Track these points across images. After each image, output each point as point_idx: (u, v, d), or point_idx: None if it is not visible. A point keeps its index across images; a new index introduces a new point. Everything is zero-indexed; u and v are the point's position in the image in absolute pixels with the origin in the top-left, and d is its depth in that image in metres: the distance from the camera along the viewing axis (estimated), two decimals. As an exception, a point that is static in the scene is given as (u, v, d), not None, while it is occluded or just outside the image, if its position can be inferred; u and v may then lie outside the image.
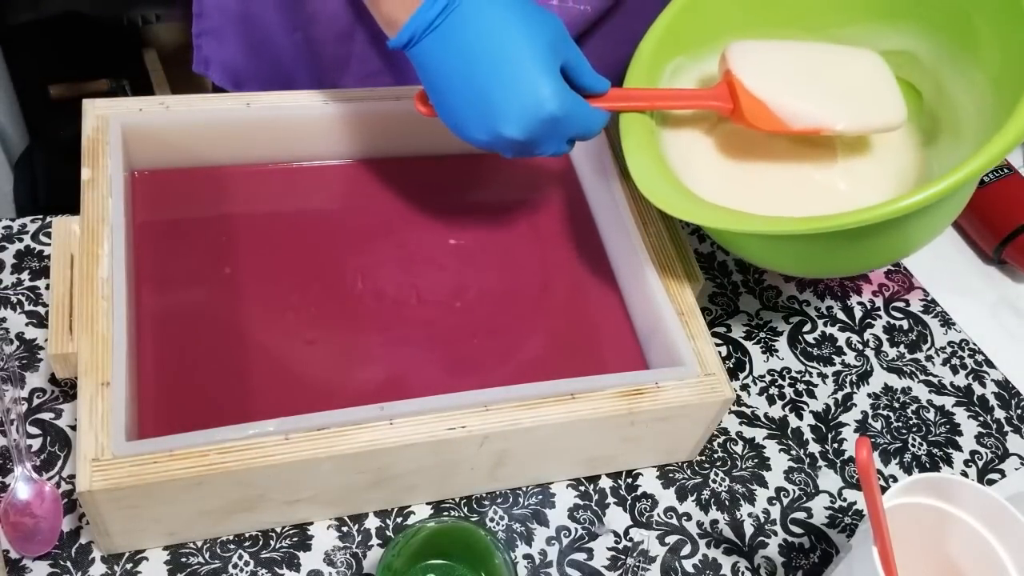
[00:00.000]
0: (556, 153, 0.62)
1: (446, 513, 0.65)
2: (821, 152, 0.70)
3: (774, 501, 0.69)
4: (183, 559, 0.60)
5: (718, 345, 0.77)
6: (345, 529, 0.63)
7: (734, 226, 0.61)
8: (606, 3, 0.79)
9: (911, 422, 0.76)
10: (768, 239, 0.64)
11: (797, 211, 0.64)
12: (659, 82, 0.70)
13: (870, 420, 0.75)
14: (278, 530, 0.62)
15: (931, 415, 0.76)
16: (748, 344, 0.78)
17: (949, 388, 0.78)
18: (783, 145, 0.70)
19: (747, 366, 0.77)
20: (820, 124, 0.65)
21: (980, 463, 0.74)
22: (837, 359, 0.79)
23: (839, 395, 0.76)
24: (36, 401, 0.66)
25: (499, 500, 0.66)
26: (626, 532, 0.66)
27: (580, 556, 0.64)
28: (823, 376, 0.77)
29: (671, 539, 0.66)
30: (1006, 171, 0.89)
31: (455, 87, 0.58)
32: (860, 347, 0.80)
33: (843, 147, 0.70)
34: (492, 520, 0.65)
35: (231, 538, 0.62)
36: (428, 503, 0.65)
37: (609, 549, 0.65)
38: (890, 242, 0.64)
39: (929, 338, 0.82)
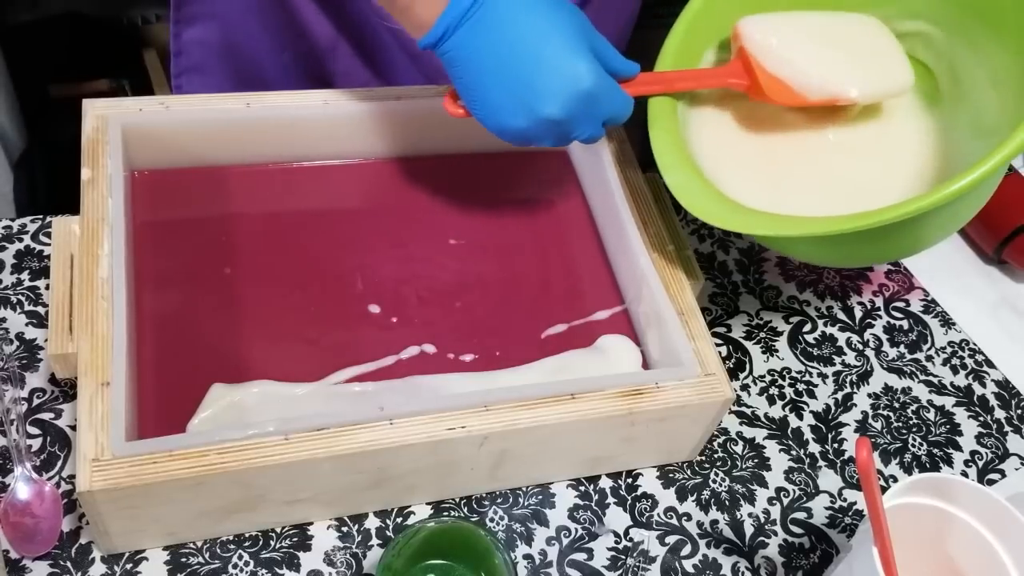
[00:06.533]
0: (591, 137, 0.62)
1: (446, 513, 0.65)
2: (840, 139, 0.71)
3: (774, 501, 0.69)
4: (183, 559, 0.60)
5: (718, 345, 0.77)
6: (345, 529, 0.63)
7: (782, 231, 0.61)
8: None
9: (911, 422, 0.76)
10: (808, 238, 0.65)
11: (827, 201, 0.66)
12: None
13: (870, 420, 0.75)
14: (278, 530, 0.62)
15: (931, 415, 0.76)
16: (748, 344, 0.78)
17: (949, 388, 0.78)
18: (804, 133, 0.71)
19: (747, 366, 0.77)
20: (835, 94, 0.67)
21: (980, 463, 0.74)
22: (837, 359, 0.79)
23: (839, 395, 0.76)
24: (36, 401, 0.66)
25: (499, 500, 0.66)
26: (626, 532, 0.66)
27: (580, 556, 0.64)
28: (823, 376, 0.77)
29: (671, 539, 0.66)
30: (1007, 171, 0.89)
31: (490, 75, 0.59)
32: (860, 347, 0.80)
33: (858, 132, 0.71)
34: (492, 520, 0.65)
35: (231, 538, 0.62)
36: (428, 503, 0.65)
37: (609, 549, 0.65)
38: (926, 231, 0.65)
39: (929, 338, 0.82)
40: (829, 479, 0.71)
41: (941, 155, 0.69)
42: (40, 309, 0.70)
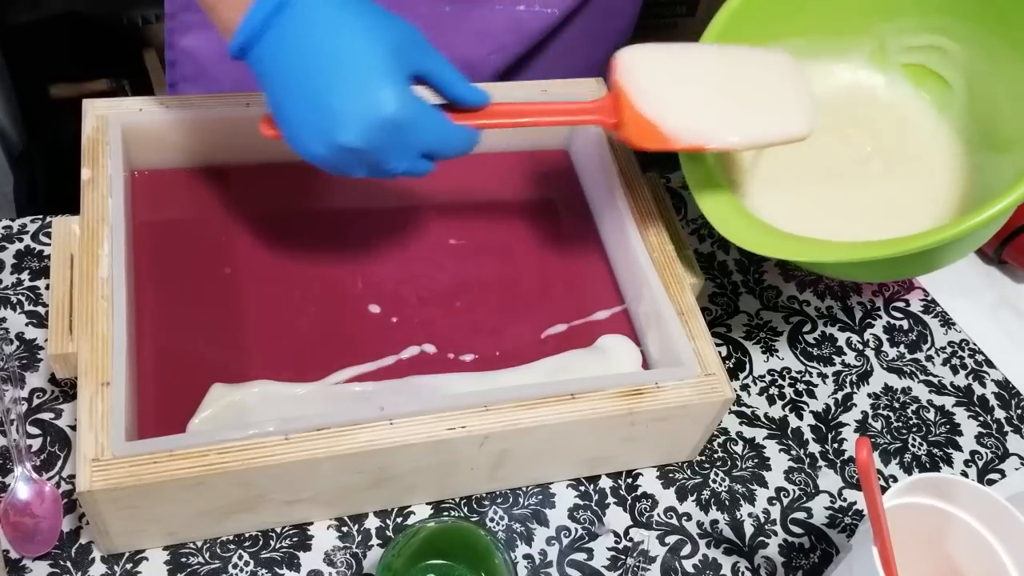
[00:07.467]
0: (411, 171, 0.57)
1: (446, 513, 0.65)
2: (861, 155, 0.71)
3: (774, 501, 0.69)
4: (183, 559, 0.60)
5: (718, 345, 0.77)
6: (345, 529, 0.63)
7: (820, 257, 0.61)
8: (572, 4, 0.79)
9: (911, 422, 0.76)
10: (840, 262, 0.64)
11: (852, 218, 0.66)
12: None
13: (870, 420, 0.75)
14: (278, 530, 0.63)
15: (931, 415, 0.76)
16: (748, 344, 0.78)
17: (949, 388, 0.78)
18: (828, 149, 0.71)
19: (747, 366, 0.77)
20: (710, 140, 0.61)
21: (980, 463, 0.74)
22: (837, 359, 0.79)
23: (839, 395, 0.76)
24: (36, 401, 0.66)
25: (499, 500, 0.66)
26: (626, 532, 0.66)
27: (580, 556, 0.64)
28: (823, 376, 0.77)
29: (671, 539, 0.66)
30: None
31: (291, 94, 0.54)
32: (860, 347, 0.80)
33: (879, 149, 0.71)
34: (492, 520, 0.65)
35: (231, 538, 0.62)
36: (428, 503, 0.65)
37: (609, 549, 0.65)
38: (953, 250, 0.65)
39: (929, 338, 0.82)
40: (829, 479, 0.71)
41: (960, 169, 0.69)
42: (40, 309, 0.70)
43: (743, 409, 0.74)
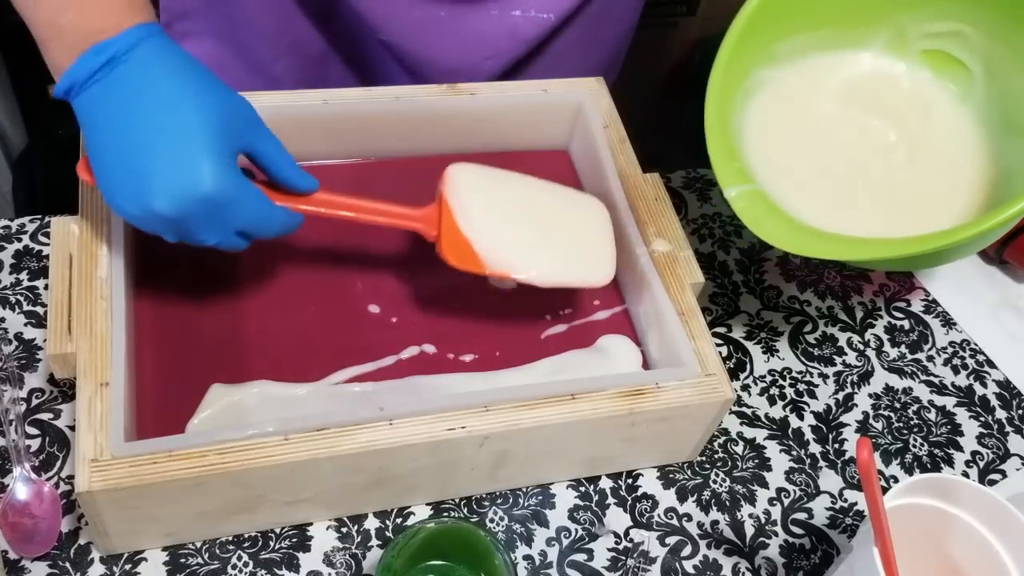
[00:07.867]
0: (223, 244, 0.57)
1: (446, 514, 0.65)
2: (886, 148, 0.72)
3: (775, 502, 0.69)
4: (182, 560, 0.60)
5: (718, 345, 0.77)
6: (345, 530, 0.63)
7: (866, 255, 0.61)
8: (569, 9, 0.79)
9: (912, 422, 0.76)
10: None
11: (878, 207, 0.66)
12: (735, 94, 0.70)
13: (871, 420, 0.75)
14: (277, 531, 0.62)
15: (932, 415, 0.76)
16: (749, 344, 0.78)
17: (950, 388, 0.78)
18: (849, 136, 0.72)
19: (748, 366, 0.77)
20: (513, 269, 0.64)
21: (981, 463, 0.74)
22: (838, 359, 0.79)
23: (840, 395, 0.76)
24: (35, 401, 0.66)
25: (499, 501, 0.66)
26: (626, 533, 0.66)
27: (580, 557, 0.64)
28: (824, 376, 0.77)
29: (671, 540, 0.66)
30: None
31: (110, 149, 0.53)
32: (861, 347, 0.80)
33: (903, 137, 0.72)
34: (492, 521, 0.65)
35: (230, 539, 0.62)
36: (428, 504, 0.65)
37: (609, 550, 0.65)
38: (979, 241, 0.65)
39: (930, 338, 0.81)
40: (830, 479, 0.71)
41: (983, 154, 0.70)
42: (39, 309, 0.70)
43: (743, 409, 0.74)
